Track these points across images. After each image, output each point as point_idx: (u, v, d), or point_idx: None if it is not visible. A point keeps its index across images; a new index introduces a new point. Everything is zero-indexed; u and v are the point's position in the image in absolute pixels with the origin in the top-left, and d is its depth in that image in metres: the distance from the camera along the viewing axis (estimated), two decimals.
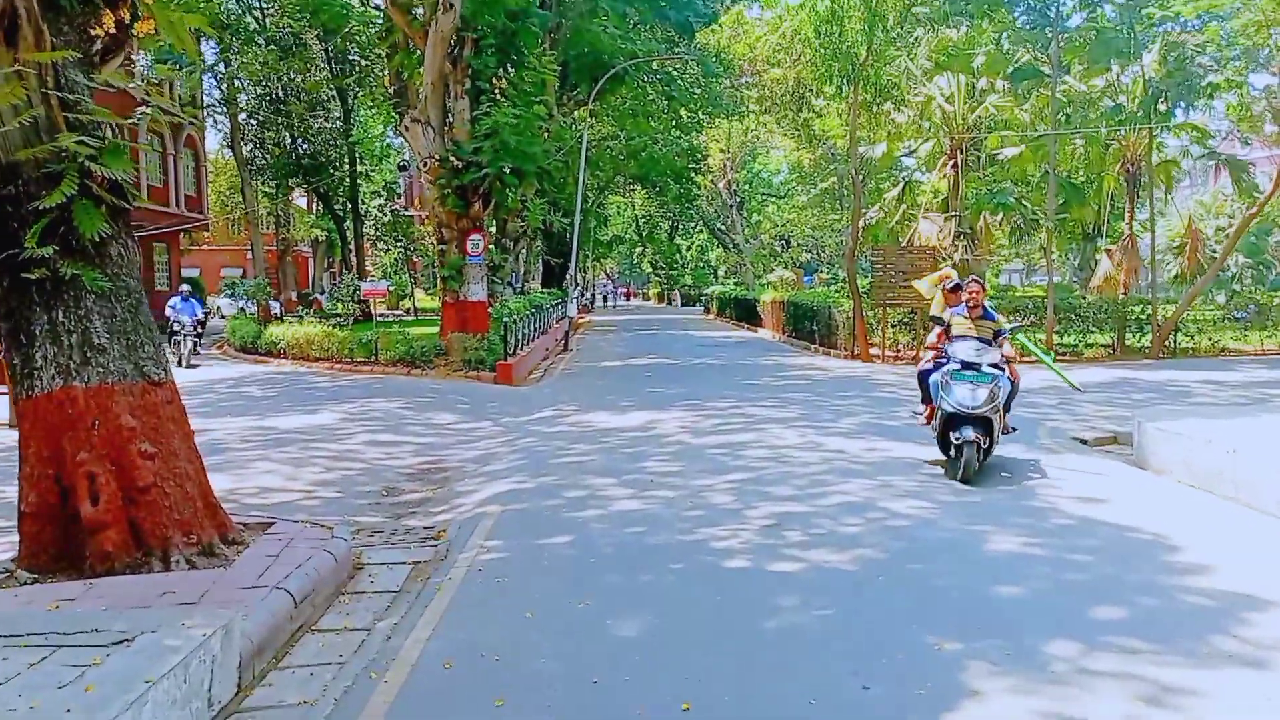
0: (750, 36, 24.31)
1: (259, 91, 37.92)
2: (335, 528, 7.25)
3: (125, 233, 6.74)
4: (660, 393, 16.68)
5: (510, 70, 20.48)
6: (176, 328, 22.06)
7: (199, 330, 22.80)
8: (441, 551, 7.26)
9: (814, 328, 27.13)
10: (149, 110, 34.01)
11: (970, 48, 23.59)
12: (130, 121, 33.32)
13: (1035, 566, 6.22)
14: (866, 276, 25.56)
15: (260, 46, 32.98)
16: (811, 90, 23.19)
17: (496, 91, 19.92)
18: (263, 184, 41.87)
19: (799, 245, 56.53)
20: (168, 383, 6.85)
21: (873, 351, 22.78)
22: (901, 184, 27.56)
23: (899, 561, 6.41)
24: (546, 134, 21.01)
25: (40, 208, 5.93)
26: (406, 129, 20.05)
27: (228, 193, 51.51)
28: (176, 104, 36.26)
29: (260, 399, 16.46)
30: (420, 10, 19.79)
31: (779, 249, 62.39)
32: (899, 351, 23.16)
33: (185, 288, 24.49)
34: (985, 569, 6.22)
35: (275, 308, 35.70)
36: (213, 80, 36.10)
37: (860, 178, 23.79)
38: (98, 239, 6.28)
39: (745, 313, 41.07)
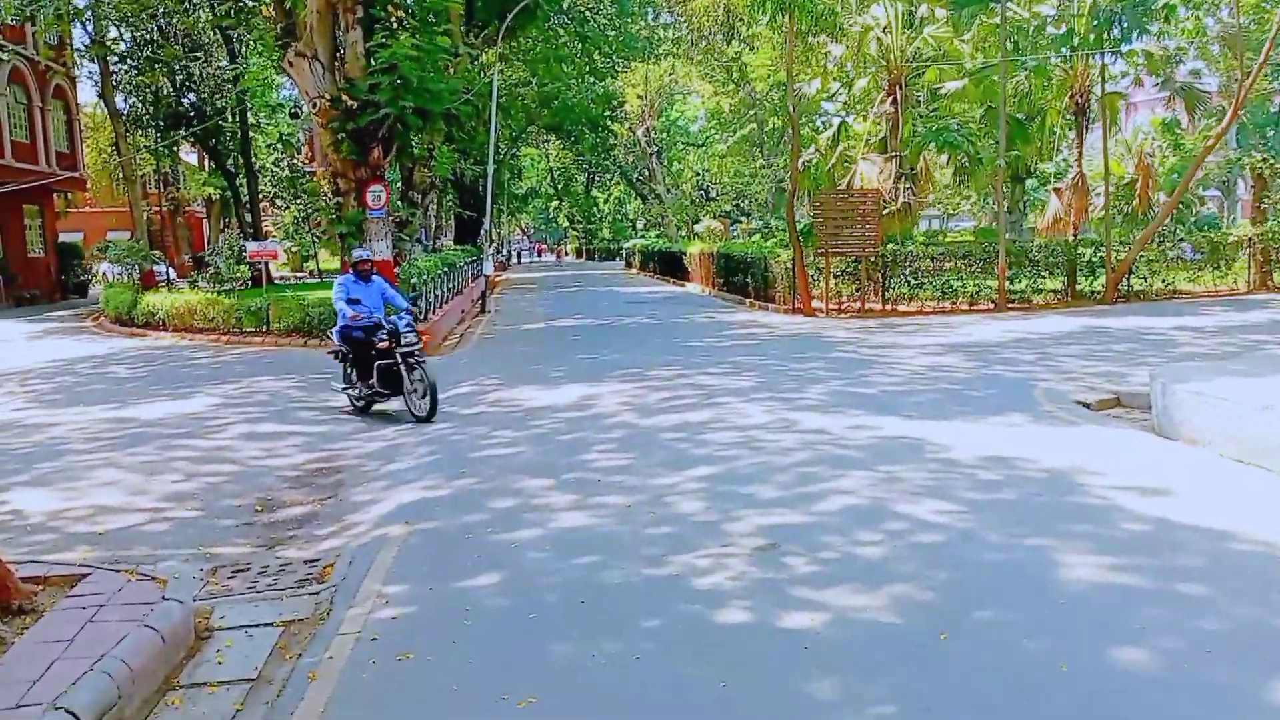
0: None
1: (133, 35, 34.33)
2: (170, 581, 5.24)
3: None
4: (593, 360, 14.78)
5: None
6: (378, 339, 10.50)
7: (416, 335, 10.69)
8: (325, 603, 5.33)
9: (749, 280, 25.44)
10: (4, 55, 30.45)
11: None
12: None
13: (1145, 607, 4.56)
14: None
15: None
16: (742, 20, 21.24)
17: (393, 21, 17.48)
18: (143, 137, 38.31)
19: (723, 195, 54.77)
20: None
21: (814, 304, 21.18)
22: (836, 124, 25.89)
23: (958, 606, 4.68)
24: (451, 71, 18.64)
25: None
26: (290, 64, 17.50)
27: (109, 150, 47.41)
28: (47, 52, 32.53)
29: (125, 381, 14.11)
30: None
31: (700, 198, 60.60)
32: (841, 304, 21.62)
33: (361, 253, 11.66)
34: (1082, 615, 4.52)
35: (167, 272, 32.61)
36: (81, 26, 32.45)
37: (797, 114, 21.99)
38: None
39: (670, 266, 39.22)
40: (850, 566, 5.27)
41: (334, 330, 11.39)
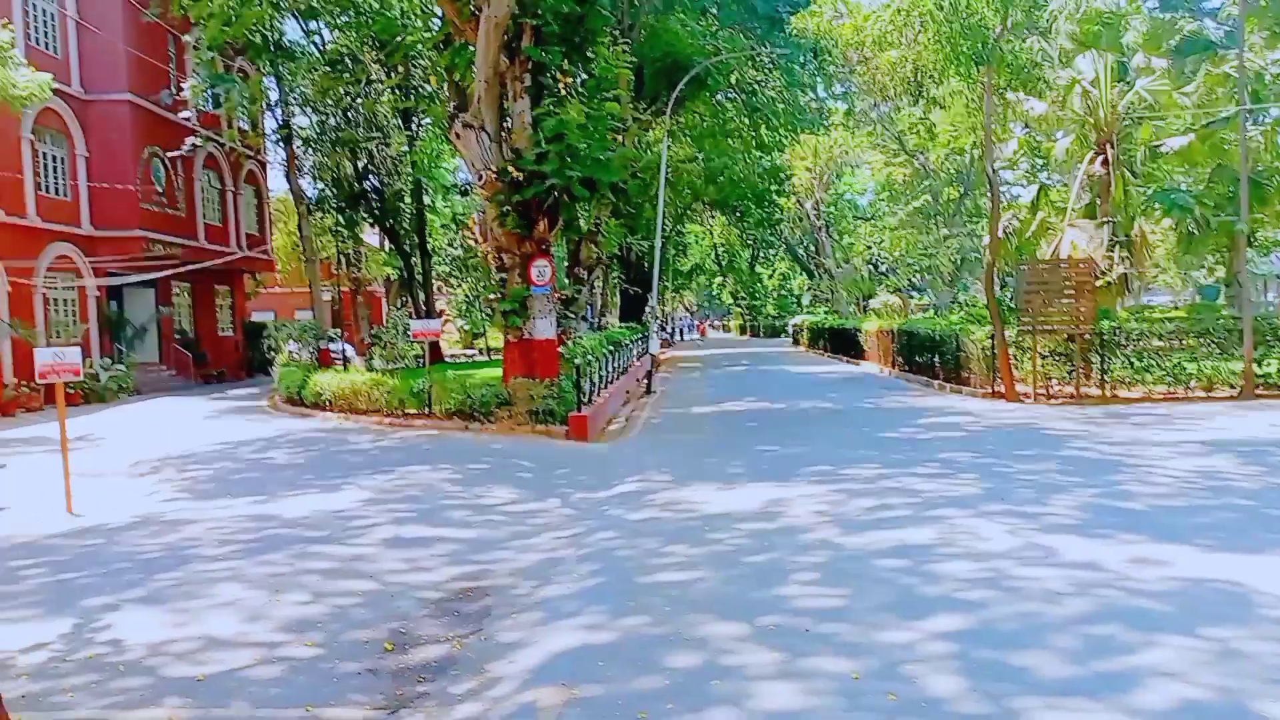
0: (857, 16, 20.75)
1: (317, 119, 35.69)
2: None
3: None
4: (775, 453, 13.07)
5: (577, 66, 17.32)
6: None
7: None
8: None
9: (936, 360, 23.25)
10: (199, 141, 31.95)
11: (1120, 17, 19.68)
12: (179, 153, 31.36)
13: None
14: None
15: (315, 69, 30.66)
16: (933, 77, 19.59)
17: (561, 88, 16.75)
18: (326, 219, 39.63)
19: (905, 268, 52.36)
20: None
21: (1019, 388, 18.82)
22: (1035, 189, 23.58)
23: None
24: (620, 140, 17.73)
25: None
26: (458, 136, 16.95)
27: (296, 232, 49.70)
28: (232, 133, 34.09)
29: (282, 469, 13.36)
30: None
31: (869, 273, 58.30)
32: (1050, 388, 19.11)
33: None
34: None
35: (343, 350, 33.00)
36: (270, 112, 33.99)
37: (996, 175, 19.90)
38: None
39: (844, 344, 37.21)
40: None
41: None
